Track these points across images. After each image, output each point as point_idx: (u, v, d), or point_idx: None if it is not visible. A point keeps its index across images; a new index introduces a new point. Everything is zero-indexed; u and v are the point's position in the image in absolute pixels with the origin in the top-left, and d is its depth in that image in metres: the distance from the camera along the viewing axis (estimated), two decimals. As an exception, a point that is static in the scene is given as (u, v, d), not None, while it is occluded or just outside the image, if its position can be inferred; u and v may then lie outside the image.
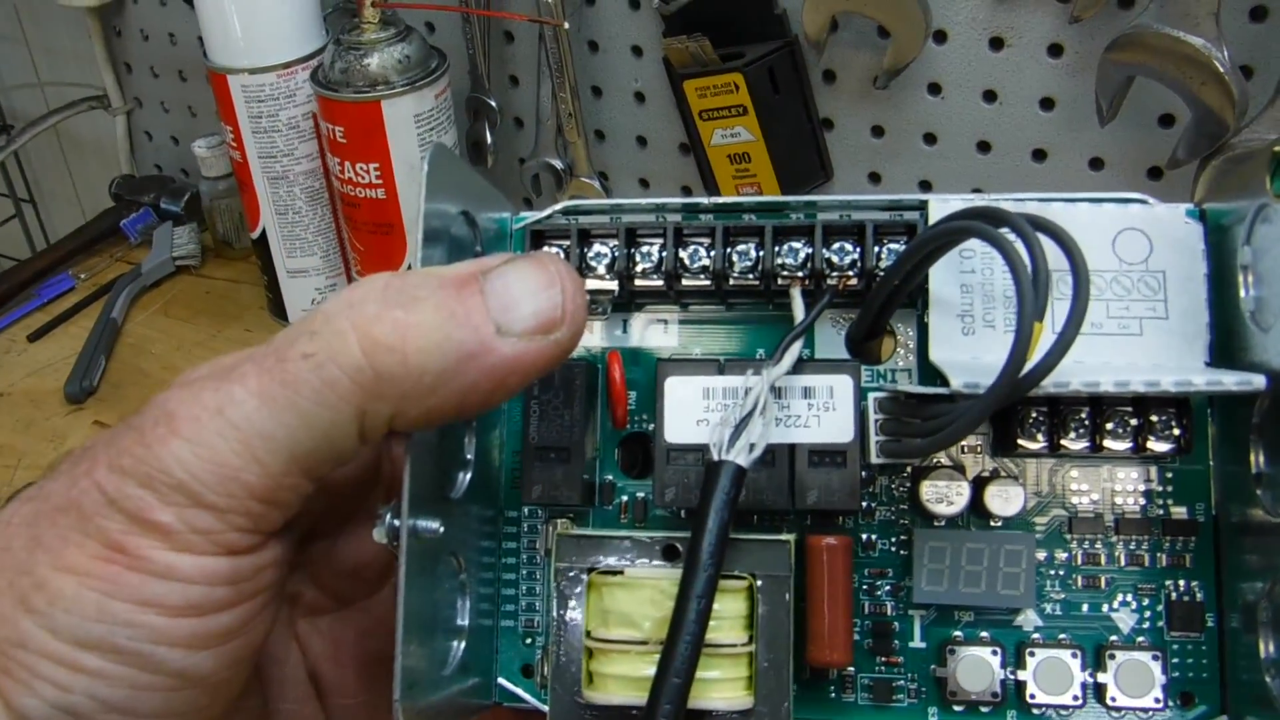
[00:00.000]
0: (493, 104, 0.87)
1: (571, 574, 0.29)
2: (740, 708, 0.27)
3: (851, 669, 0.30)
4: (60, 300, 1.02)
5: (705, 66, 0.75)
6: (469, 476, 0.29)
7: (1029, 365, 0.24)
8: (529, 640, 0.32)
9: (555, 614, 0.29)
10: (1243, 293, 0.28)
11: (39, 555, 0.23)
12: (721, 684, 0.28)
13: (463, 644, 0.29)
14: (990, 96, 0.73)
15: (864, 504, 0.30)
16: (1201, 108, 0.62)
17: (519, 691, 0.31)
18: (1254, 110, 0.62)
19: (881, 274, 0.30)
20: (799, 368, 0.29)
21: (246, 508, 0.24)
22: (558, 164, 0.86)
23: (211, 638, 0.24)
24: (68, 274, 1.05)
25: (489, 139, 0.88)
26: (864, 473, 0.30)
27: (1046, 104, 0.71)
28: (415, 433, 0.26)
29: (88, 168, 1.25)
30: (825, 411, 0.29)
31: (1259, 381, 0.26)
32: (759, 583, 0.28)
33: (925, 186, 0.78)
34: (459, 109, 0.85)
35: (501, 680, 0.31)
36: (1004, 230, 0.25)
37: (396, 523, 0.26)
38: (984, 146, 0.75)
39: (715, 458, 0.27)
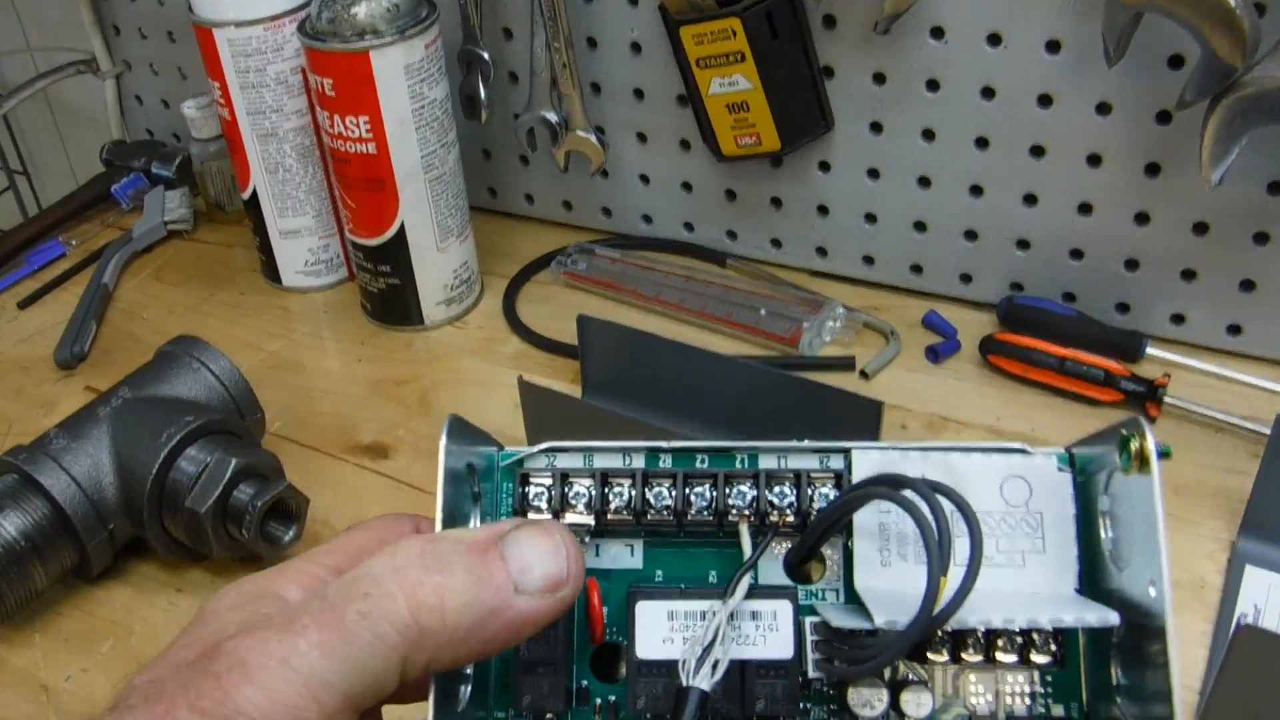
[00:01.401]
0: (485, 57, 0.85)
1: None
2: None
3: None
4: (50, 267, 1.00)
5: (702, 12, 0.74)
6: (469, 689, 0.35)
7: (938, 608, 0.31)
8: None
9: None
10: (1103, 533, 0.35)
11: None
12: None
13: None
14: (994, 40, 0.71)
15: (802, 705, 0.37)
16: (1211, 46, 0.60)
17: None
18: (1265, 48, 0.61)
19: (814, 517, 0.37)
20: (748, 594, 0.36)
21: None
22: (553, 118, 0.85)
23: None
24: (58, 240, 1.04)
25: (482, 93, 0.86)
26: (801, 679, 0.36)
27: (1052, 47, 0.70)
28: (436, 676, 0.32)
29: (80, 136, 1.24)
30: (770, 631, 0.36)
31: (1114, 619, 0.33)
32: None
33: (928, 135, 0.78)
34: (451, 62, 0.84)
35: None
36: (908, 493, 0.33)
37: None
38: (988, 92, 0.73)
39: (684, 683, 0.34)
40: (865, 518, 0.37)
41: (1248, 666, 0.47)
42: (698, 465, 0.39)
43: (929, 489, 0.32)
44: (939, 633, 0.36)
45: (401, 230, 0.80)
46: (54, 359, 0.86)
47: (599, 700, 0.37)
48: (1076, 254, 0.77)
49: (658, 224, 0.92)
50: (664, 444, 0.38)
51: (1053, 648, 0.36)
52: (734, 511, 0.38)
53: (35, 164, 1.32)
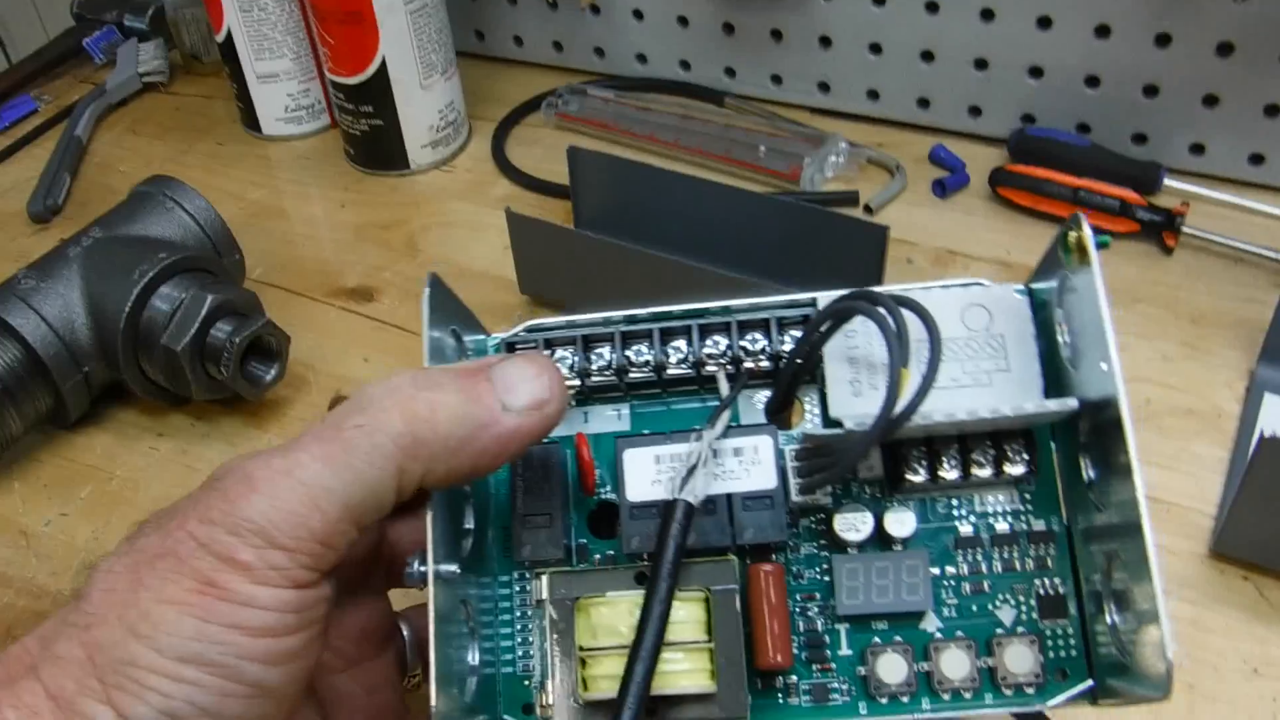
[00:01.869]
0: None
1: (564, 603, 0.36)
2: (705, 691, 0.34)
3: (794, 677, 0.37)
4: (22, 124, 0.96)
5: None
6: (470, 542, 0.37)
7: (901, 404, 0.33)
8: (526, 681, 0.38)
9: (552, 637, 0.36)
10: (1061, 341, 0.37)
11: (142, 593, 0.30)
12: (688, 673, 0.34)
13: (475, 680, 0.36)
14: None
15: (790, 540, 0.38)
16: None
17: None
18: None
19: (787, 355, 0.39)
20: (729, 433, 0.38)
21: (310, 549, 0.31)
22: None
23: (281, 656, 0.31)
24: (29, 96, 0.99)
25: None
26: (788, 513, 0.38)
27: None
28: (434, 494, 0.34)
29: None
30: (753, 465, 0.37)
31: (1072, 403, 0.35)
32: (712, 594, 0.36)
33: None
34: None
35: (506, 717, 0.38)
36: (877, 308, 0.35)
37: (423, 568, 0.34)
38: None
39: (669, 497, 0.36)
40: (836, 358, 0.38)
41: (1269, 478, 0.45)
42: (676, 323, 0.40)
43: (888, 298, 0.35)
44: (914, 452, 0.37)
45: (383, 67, 0.76)
46: (27, 212, 0.83)
47: (598, 556, 0.39)
48: (1092, 81, 0.73)
49: (653, 63, 0.88)
50: (640, 310, 0.40)
51: (1025, 456, 0.37)
52: (711, 361, 0.39)
53: (4, 20, 1.26)
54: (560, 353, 0.40)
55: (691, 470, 0.36)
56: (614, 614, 0.35)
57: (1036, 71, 0.75)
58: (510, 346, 0.40)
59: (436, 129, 0.81)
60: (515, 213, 0.63)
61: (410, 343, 0.67)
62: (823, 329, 0.38)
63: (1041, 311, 0.38)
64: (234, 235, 0.67)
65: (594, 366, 0.40)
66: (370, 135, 0.80)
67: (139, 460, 0.61)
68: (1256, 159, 0.72)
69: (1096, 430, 0.35)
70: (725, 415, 0.37)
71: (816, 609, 0.38)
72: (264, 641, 0.30)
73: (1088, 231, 0.34)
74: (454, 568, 0.35)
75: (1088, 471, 0.36)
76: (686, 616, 0.35)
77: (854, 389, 0.38)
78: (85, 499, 0.60)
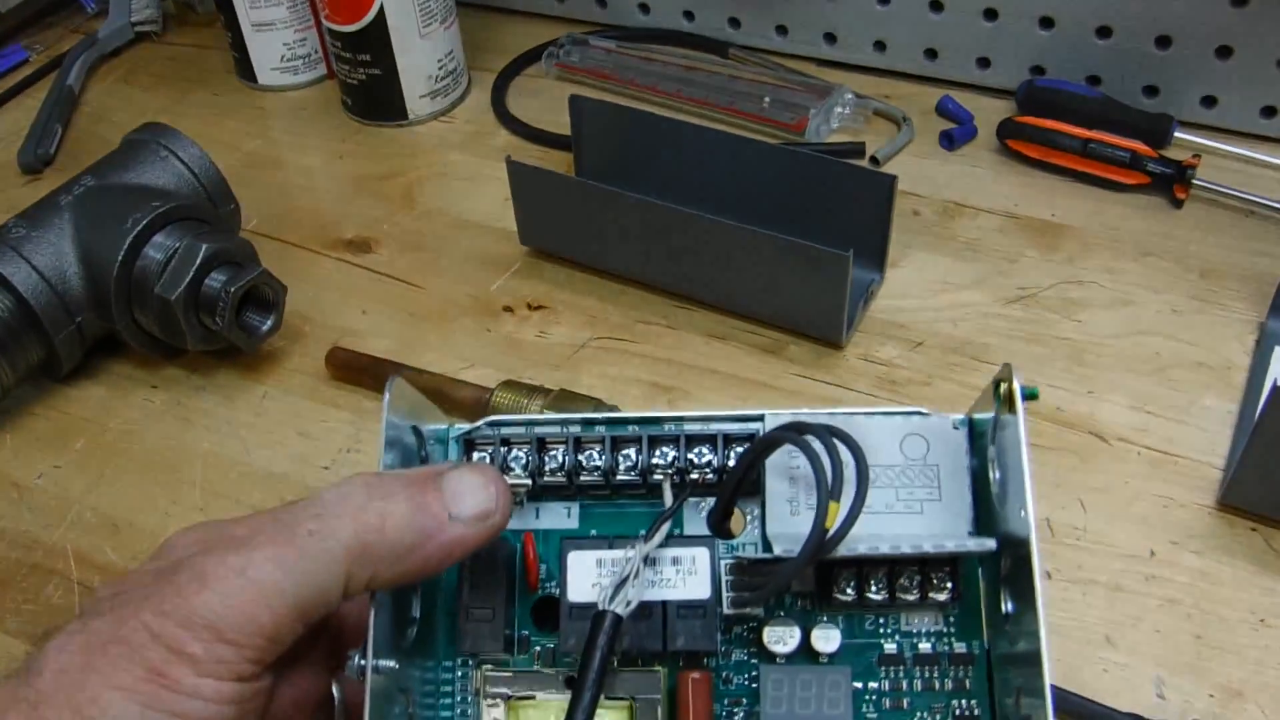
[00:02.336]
0: None
1: (495, 700, 0.38)
2: None
3: None
4: (13, 73, 0.95)
5: None
6: (415, 631, 0.38)
7: (830, 533, 0.35)
8: None
9: None
10: (992, 478, 0.38)
11: (92, 676, 0.31)
12: None
13: None
14: None
15: (722, 648, 0.40)
16: None
17: None
18: None
19: (729, 471, 0.41)
20: (670, 542, 0.39)
21: (257, 644, 0.32)
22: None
23: None
24: (20, 46, 0.98)
25: None
26: (721, 623, 0.40)
27: None
28: (379, 593, 0.35)
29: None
30: (690, 575, 0.39)
31: (990, 544, 0.37)
32: (636, 703, 0.37)
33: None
34: None
35: None
36: (809, 438, 0.36)
37: (362, 662, 0.35)
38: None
39: (600, 608, 0.37)
40: (776, 478, 0.40)
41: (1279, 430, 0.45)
42: (629, 430, 0.42)
43: (823, 430, 0.36)
44: (844, 574, 0.39)
45: (381, 13, 0.75)
46: (18, 163, 0.82)
47: (538, 648, 0.41)
48: (1104, 31, 0.72)
49: (655, 13, 0.86)
50: (597, 415, 0.43)
51: (949, 584, 0.39)
52: (658, 470, 0.41)
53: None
54: (515, 452, 0.41)
55: (623, 581, 0.38)
56: (541, 717, 0.37)
57: (1047, 22, 0.73)
58: (469, 443, 0.42)
59: (435, 79, 0.80)
60: (516, 161, 0.62)
61: (410, 294, 0.67)
62: (756, 454, 0.40)
63: (979, 441, 0.40)
64: (230, 187, 0.66)
65: (547, 467, 0.42)
66: (368, 85, 0.79)
67: (134, 412, 0.61)
68: (1269, 111, 0.71)
69: (1016, 566, 0.37)
70: (665, 526, 0.40)
71: (742, 715, 0.40)
72: None
73: (1016, 384, 0.36)
74: (392, 663, 0.36)
75: (1006, 604, 0.37)
76: None
77: (791, 508, 0.39)
78: (79, 451, 0.59)
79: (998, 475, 0.39)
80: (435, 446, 0.42)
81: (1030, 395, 0.37)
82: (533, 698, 0.38)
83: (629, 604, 0.37)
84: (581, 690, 0.36)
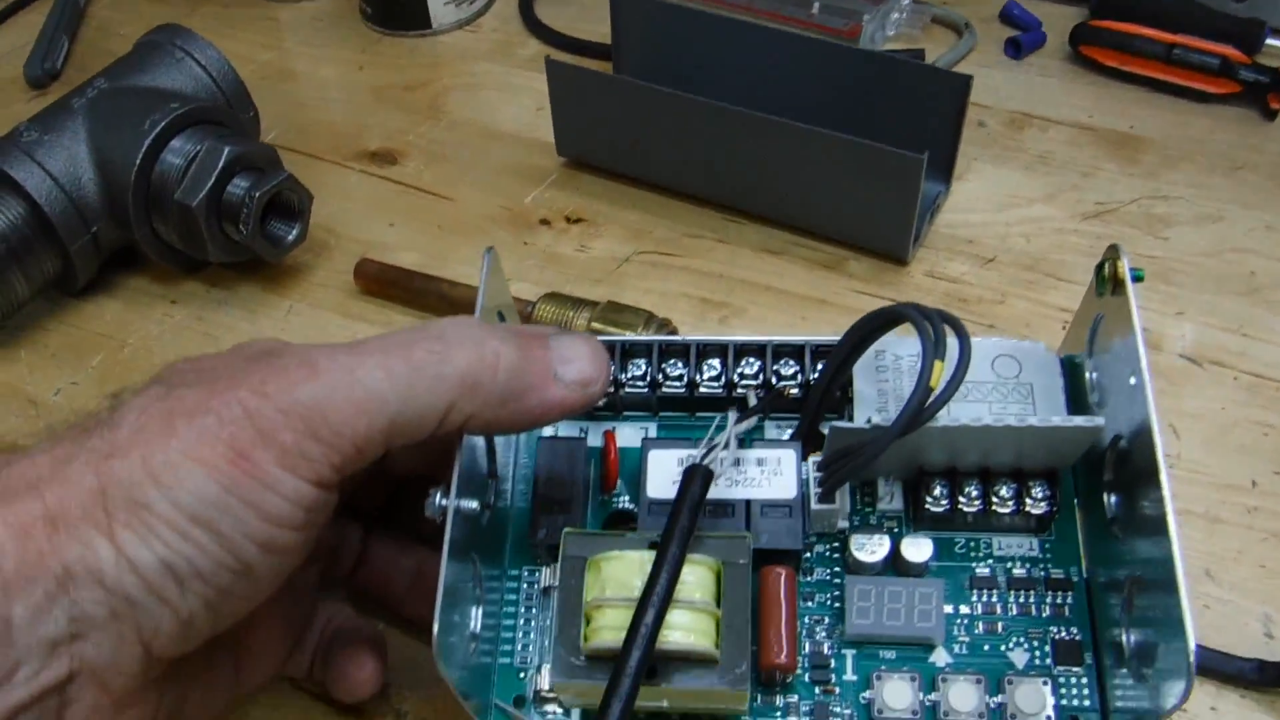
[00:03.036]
0: None
1: (576, 559, 0.36)
2: (708, 655, 0.34)
3: (795, 695, 0.38)
4: (17, -14, 0.92)
5: None
6: (488, 516, 0.38)
7: (936, 393, 0.34)
8: (521, 674, 0.39)
9: (561, 592, 0.36)
10: (1090, 392, 0.39)
11: (173, 442, 0.30)
12: (693, 630, 0.34)
13: (475, 646, 0.37)
14: None
15: (804, 563, 0.40)
16: None
17: (511, 710, 0.38)
18: None
19: (820, 369, 0.41)
20: (755, 444, 0.40)
21: (345, 450, 0.31)
22: None
23: (279, 547, 0.32)
24: (23, -43, 0.95)
25: None
26: (806, 524, 0.39)
27: None
28: (466, 440, 0.35)
29: None
30: (775, 476, 0.39)
31: (1099, 420, 0.36)
32: (725, 565, 0.36)
33: None
34: None
35: (497, 703, 0.38)
36: (911, 309, 0.36)
37: (444, 501, 0.34)
38: None
39: (690, 463, 0.37)
40: (864, 387, 0.40)
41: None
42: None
43: (928, 308, 0.36)
44: (936, 485, 0.39)
45: (404, -89, 0.72)
46: (25, 77, 0.79)
47: None
48: (1186, -71, 0.69)
49: (696, -84, 0.83)
50: (682, 339, 0.43)
51: (1047, 495, 0.38)
52: (742, 382, 0.42)
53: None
54: None
55: (713, 447, 0.37)
56: (625, 569, 0.35)
57: (1123, -82, 0.70)
58: None
59: (463, -17, 0.77)
60: (557, 61, 0.59)
61: (439, 206, 0.64)
62: (861, 335, 0.39)
63: (1071, 371, 0.40)
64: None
65: (629, 375, 0.42)
66: (390, -9, 0.76)
67: (152, 328, 0.59)
68: (1364, 16, 0.67)
69: (1122, 460, 0.36)
70: (753, 420, 0.40)
71: (824, 632, 0.38)
72: (271, 529, 0.31)
73: (1125, 265, 0.37)
74: (475, 505, 0.35)
75: (1110, 506, 0.37)
76: (696, 581, 0.35)
77: (880, 419, 0.38)
78: (96, 368, 0.57)
79: (1096, 386, 0.39)
80: None
81: (1138, 277, 0.36)
82: (615, 552, 0.36)
83: (718, 467, 0.37)
84: (669, 541, 0.34)
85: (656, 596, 0.33)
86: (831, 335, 0.41)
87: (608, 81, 0.60)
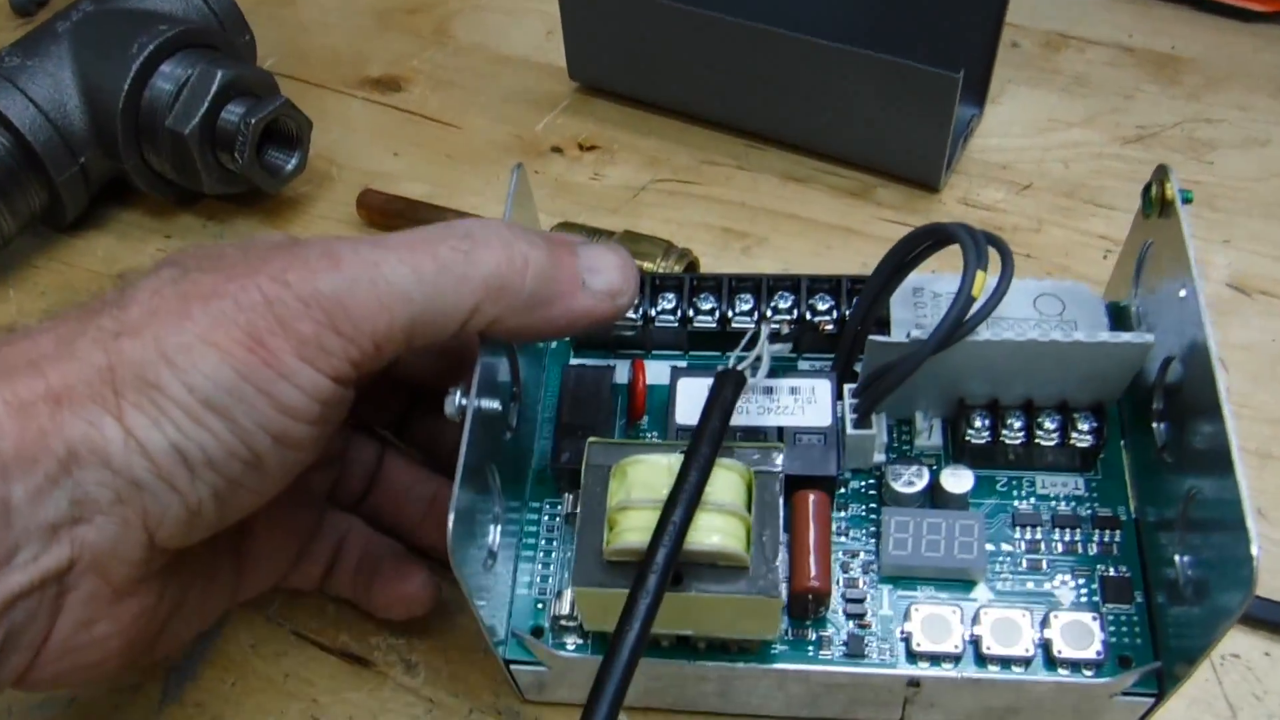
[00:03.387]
0: None
1: (600, 468, 0.34)
2: (737, 559, 0.32)
3: (830, 629, 0.36)
4: (2, -90, 0.89)
5: None
6: (510, 435, 0.37)
7: (979, 302, 0.33)
8: (540, 605, 0.37)
9: (584, 501, 0.34)
10: (1137, 325, 0.39)
11: (188, 324, 0.29)
12: (723, 531, 0.32)
13: (491, 563, 0.35)
14: None
15: (840, 498, 0.38)
16: None
17: (530, 639, 0.36)
18: None
19: (862, 289, 0.39)
20: (788, 373, 0.39)
21: (364, 345, 0.30)
22: None
23: (292, 441, 0.31)
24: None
25: None
26: (842, 451, 0.38)
27: None
28: (485, 346, 0.34)
29: None
30: (809, 404, 0.38)
31: (1148, 336, 0.35)
32: (756, 474, 0.34)
33: None
34: None
35: (516, 632, 0.37)
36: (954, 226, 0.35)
37: (464, 401, 0.33)
38: None
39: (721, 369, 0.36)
40: (904, 318, 0.38)
41: None
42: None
43: (968, 228, 0.35)
44: (976, 417, 0.37)
45: None
46: (10, 4, 0.76)
47: None
48: None
49: None
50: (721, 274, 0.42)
51: (1093, 428, 0.37)
52: (775, 317, 0.41)
53: None
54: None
55: (747, 352, 0.36)
56: (652, 472, 0.33)
57: None
58: None
59: (468, -99, 0.73)
60: (569, -24, 0.56)
61: (446, 135, 0.61)
62: (905, 254, 0.37)
63: (1117, 315, 0.39)
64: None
65: (658, 310, 0.41)
66: (392, -92, 0.73)
67: (146, 262, 0.56)
68: None
69: (1170, 389, 0.35)
70: (786, 345, 0.40)
71: (860, 567, 0.37)
72: (285, 420, 0.30)
73: (1174, 187, 0.35)
74: (496, 404, 0.35)
75: (1160, 436, 0.35)
76: (727, 485, 0.33)
77: (920, 333, 0.36)
78: (87, 305, 0.55)
79: (1139, 308, 0.38)
80: None
81: (1187, 199, 0.35)
82: (641, 456, 0.34)
83: (752, 373, 0.36)
84: (699, 442, 0.33)
85: (685, 495, 0.31)
86: (864, 272, 0.39)
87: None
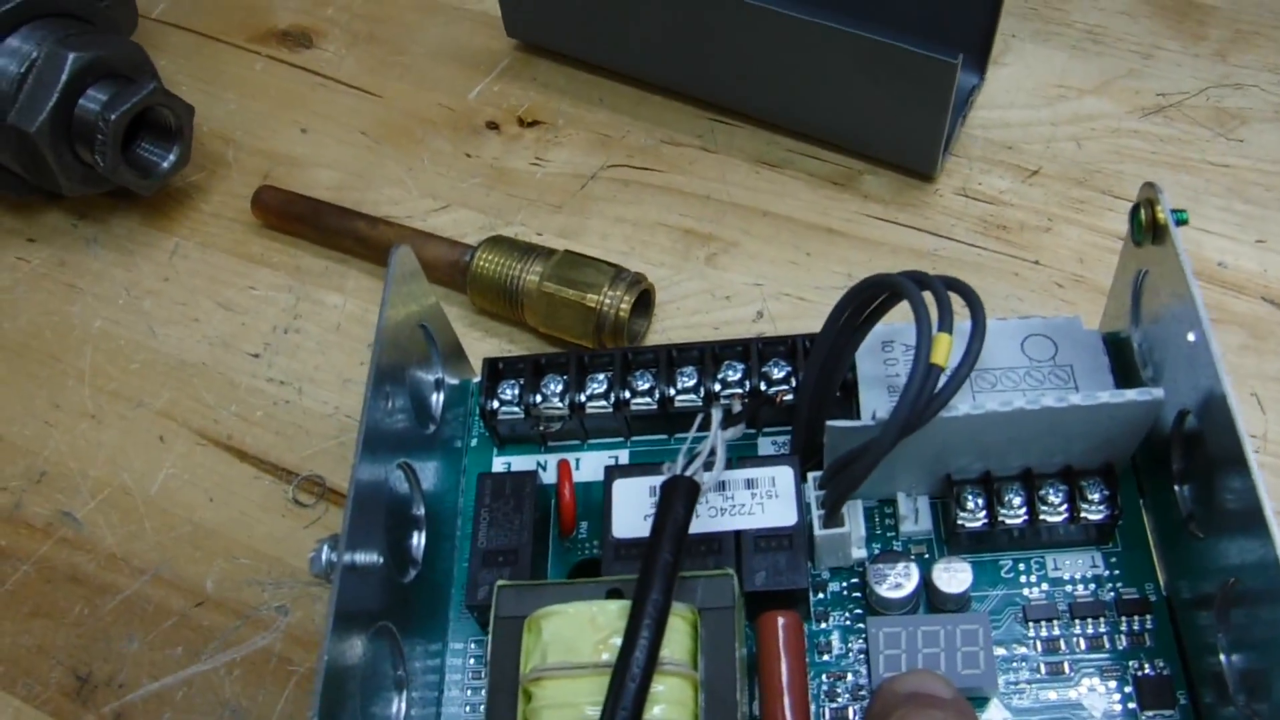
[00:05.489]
0: None
1: (510, 621, 0.28)
2: None
3: None
4: None
5: None
6: (412, 577, 0.30)
7: (947, 373, 0.27)
8: None
9: (493, 664, 0.27)
10: (1143, 368, 0.32)
11: None
12: (666, 701, 0.26)
13: None
14: None
15: (816, 607, 0.31)
16: None
17: None
18: None
19: (812, 347, 0.33)
20: (741, 463, 0.31)
21: None
22: None
23: None
24: None
25: None
26: (811, 556, 0.31)
27: None
28: (364, 459, 0.28)
29: None
30: (768, 499, 0.31)
31: (1157, 392, 0.29)
32: (702, 614, 0.27)
33: None
34: None
35: None
36: (901, 279, 0.29)
37: (334, 555, 0.27)
38: None
39: (669, 475, 0.28)
40: (870, 385, 0.32)
41: None
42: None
43: (925, 275, 0.29)
44: (968, 493, 0.31)
45: None
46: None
47: None
48: None
49: None
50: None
51: (1104, 496, 0.31)
52: (725, 391, 0.33)
53: None
54: (551, 381, 0.34)
55: (696, 456, 0.29)
56: (572, 627, 0.27)
57: None
58: (492, 365, 0.34)
59: None
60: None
61: (364, 105, 0.50)
62: (853, 306, 0.31)
63: (1113, 346, 0.33)
64: (116, -41, 0.48)
65: (587, 395, 0.34)
66: None
67: (3, 277, 0.45)
68: None
69: (1191, 442, 0.29)
70: (740, 427, 0.31)
71: (847, 693, 0.30)
72: None
73: (1165, 210, 0.29)
74: (375, 557, 0.28)
75: (1184, 503, 0.29)
76: (667, 639, 0.26)
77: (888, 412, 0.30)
78: (-68, 333, 0.44)
79: (1143, 346, 0.32)
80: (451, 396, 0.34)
81: (1181, 220, 0.29)
82: (560, 607, 0.27)
83: (706, 481, 0.28)
84: (648, 584, 0.26)
85: (636, 666, 0.24)
86: (850, 284, 0.32)
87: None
